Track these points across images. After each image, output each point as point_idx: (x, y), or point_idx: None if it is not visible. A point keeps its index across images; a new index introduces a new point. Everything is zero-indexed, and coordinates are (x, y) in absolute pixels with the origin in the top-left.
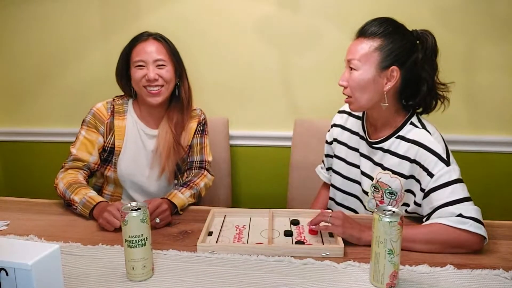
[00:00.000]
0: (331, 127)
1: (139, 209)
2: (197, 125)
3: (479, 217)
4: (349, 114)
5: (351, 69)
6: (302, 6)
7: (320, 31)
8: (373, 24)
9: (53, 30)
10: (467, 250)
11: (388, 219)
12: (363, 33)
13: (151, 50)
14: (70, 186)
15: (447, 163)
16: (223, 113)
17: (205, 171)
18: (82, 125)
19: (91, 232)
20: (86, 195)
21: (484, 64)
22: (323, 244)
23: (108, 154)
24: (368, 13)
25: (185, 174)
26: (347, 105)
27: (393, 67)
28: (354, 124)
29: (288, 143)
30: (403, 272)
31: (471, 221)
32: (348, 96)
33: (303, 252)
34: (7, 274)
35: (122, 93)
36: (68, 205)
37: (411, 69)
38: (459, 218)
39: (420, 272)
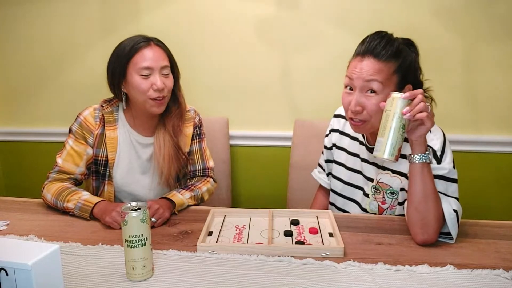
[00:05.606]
0: (330, 132)
1: (139, 209)
2: (194, 130)
3: (459, 216)
4: (346, 118)
5: (368, 91)
6: (302, 6)
7: (320, 31)
8: (380, 44)
9: (53, 30)
10: (426, 233)
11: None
12: (373, 53)
13: (157, 57)
14: (59, 195)
15: (438, 160)
16: (223, 113)
17: (209, 178)
18: (69, 133)
19: (91, 232)
20: (80, 199)
21: (484, 64)
22: (323, 244)
23: (104, 168)
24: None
25: (188, 182)
26: (341, 108)
27: (407, 85)
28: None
29: (288, 143)
30: (403, 272)
31: (454, 214)
32: (362, 120)
33: (303, 252)
34: (7, 274)
35: (109, 96)
36: (63, 213)
37: (414, 80)
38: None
39: (420, 272)
